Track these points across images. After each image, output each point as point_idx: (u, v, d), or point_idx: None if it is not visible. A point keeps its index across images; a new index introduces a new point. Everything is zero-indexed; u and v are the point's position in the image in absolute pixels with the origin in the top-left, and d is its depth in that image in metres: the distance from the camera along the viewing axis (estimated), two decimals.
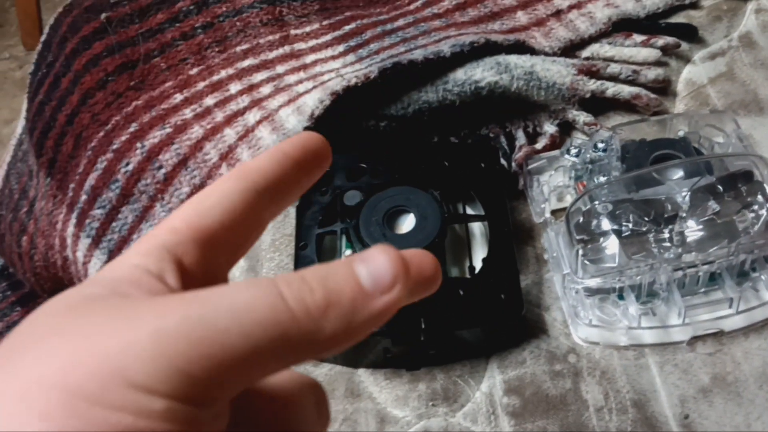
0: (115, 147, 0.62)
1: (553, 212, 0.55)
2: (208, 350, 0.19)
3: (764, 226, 0.48)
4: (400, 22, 0.67)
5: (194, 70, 0.65)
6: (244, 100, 0.62)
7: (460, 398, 0.49)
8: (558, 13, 0.68)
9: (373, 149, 0.58)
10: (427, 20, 0.67)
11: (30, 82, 0.73)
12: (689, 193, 0.49)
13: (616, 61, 0.64)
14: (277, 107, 0.60)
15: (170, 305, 0.20)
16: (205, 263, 0.23)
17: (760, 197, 0.49)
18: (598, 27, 0.66)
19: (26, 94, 0.73)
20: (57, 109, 0.68)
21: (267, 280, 0.21)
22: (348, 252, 0.52)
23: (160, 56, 0.66)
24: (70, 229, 0.64)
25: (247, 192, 0.24)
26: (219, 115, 0.61)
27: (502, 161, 0.58)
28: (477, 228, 0.55)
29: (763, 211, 0.48)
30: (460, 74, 0.59)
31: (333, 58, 0.65)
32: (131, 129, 0.62)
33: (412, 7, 0.70)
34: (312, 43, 0.66)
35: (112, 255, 0.61)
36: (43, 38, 0.72)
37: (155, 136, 0.61)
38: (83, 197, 0.63)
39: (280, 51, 0.66)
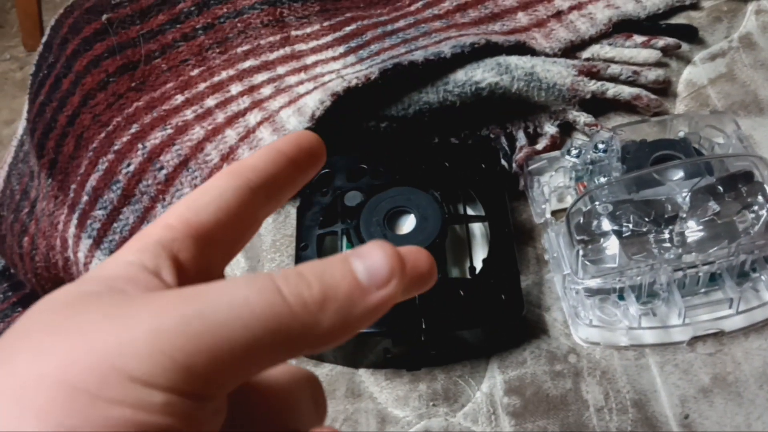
0: (116, 148, 0.62)
1: (554, 213, 0.56)
2: (207, 345, 0.19)
3: (764, 226, 0.48)
4: (401, 23, 0.67)
5: (195, 71, 0.65)
6: (244, 101, 0.62)
7: (461, 398, 0.49)
8: (558, 14, 0.68)
9: (373, 150, 0.58)
10: (428, 21, 0.68)
11: (31, 83, 0.73)
12: (689, 193, 0.49)
13: (616, 62, 0.64)
14: (277, 108, 0.60)
15: (167, 300, 0.20)
16: (200, 260, 0.23)
17: (760, 198, 0.49)
18: (598, 28, 0.66)
19: (27, 95, 0.73)
20: (58, 110, 0.68)
21: (264, 275, 0.21)
22: None
23: (161, 57, 0.66)
24: (72, 229, 0.64)
25: (242, 189, 0.25)
26: (220, 116, 0.61)
27: (503, 162, 0.58)
28: (477, 228, 0.55)
29: (763, 212, 0.48)
30: (460, 75, 0.59)
31: (334, 59, 0.65)
32: (132, 130, 0.62)
33: (412, 8, 0.70)
34: (313, 44, 0.67)
35: None
36: (44, 39, 0.72)
37: (156, 137, 0.61)
38: (84, 198, 0.63)
39: (281, 52, 0.66)
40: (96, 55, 0.66)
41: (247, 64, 0.65)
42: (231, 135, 0.60)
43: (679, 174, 0.51)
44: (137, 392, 0.18)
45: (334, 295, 0.21)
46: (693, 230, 0.48)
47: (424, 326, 0.48)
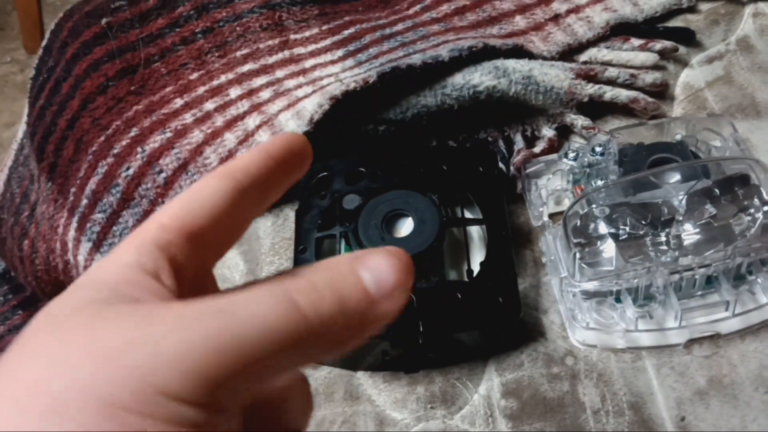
0: (115, 151, 0.62)
1: (551, 216, 0.56)
2: (234, 360, 0.20)
3: (760, 229, 0.48)
4: (399, 27, 0.68)
5: (194, 75, 0.65)
6: (243, 105, 0.62)
7: (458, 401, 0.49)
8: (556, 18, 0.68)
9: (371, 153, 0.59)
10: (426, 25, 0.68)
11: (31, 86, 0.73)
12: (686, 196, 0.50)
13: (613, 65, 0.64)
14: (276, 112, 0.60)
15: (192, 314, 0.20)
16: (195, 260, 0.24)
17: (756, 201, 0.49)
18: (596, 31, 0.66)
19: (27, 98, 0.74)
20: (58, 114, 0.68)
21: (279, 289, 0.21)
22: None
23: (161, 61, 0.66)
24: (71, 233, 0.65)
25: (233, 191, 0.25)
26: (219, 120, 0.62)
27: (501, 165, 0.59)
28: (475, 231, 0.55)
29: (759, 215, 0.48)
30: (458, 79, 0.59)
31: (332, 62, 0.65)
32: (132, 134, 0.62)
33: (411, 11, 0.71)
34: (311, 47, 0.67)
35: None
36: (44, 43, 0.73)
37: (156, 141, 0.61)
38: (84, 201, 0.63)
39: (280, 56, 0.66)
40: (96, 59, 0.67)
41: (246, 67, 0.65)
42: (230, 138, 0.60)
43: (676, 177, 0.52)
44: (170, 407, 0.19)
45: (347, 306, 0.22)
46: (689, 233, 0.49)
47: (421, 329, 0.48)
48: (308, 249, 0.53)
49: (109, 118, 0.64)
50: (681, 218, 0.49)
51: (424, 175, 0.55)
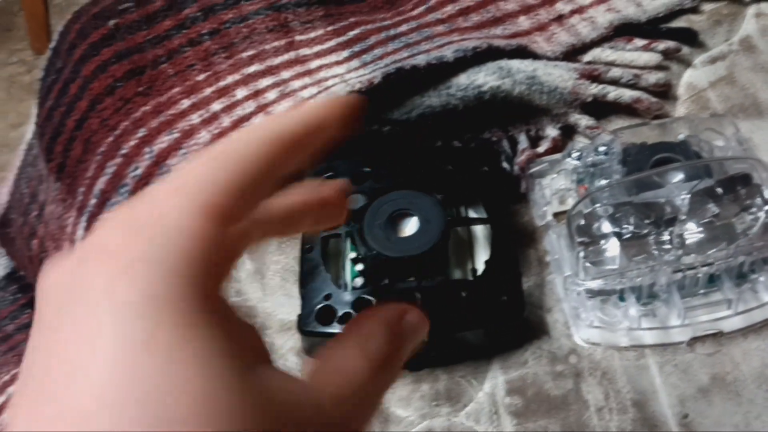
0: (123, 152, 0.63)
1: (555, 215, 0.56)
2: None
3: (762, 228, 0.49)
4: (404, 28, 0.68)
5: (201, 76, 0.66)
6: (250, 106, 0.63)
7: (463, 398, 0.49)
8: (560, 18, 0.69)
9: (376, 153, 0.59)
10: (431, 25, 0.68)
11: (39, 87, 0.74)
12: (689, 195, 0.50)
13: (617, 66, 0.65)
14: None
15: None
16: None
17: (758, 200, 0.49)
18: (599, 31, 0.67)
19: (34, 98, 0.74)
20: (66, 115, 0.69)
21: None
22: (352, 255, 0.53)
23: (168, 62, 0.67)
24: (80, 232, 0.65)
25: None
26: (226, 121, 0.62)
27: (505, 165, 0.59)
28: (479, 231, 0.55)
29: (762, 214, 0.49)
30: (462, 79, 0.60)
31: (337, 63, 0.66)
32: (139, 134, 0.63)
33: (415, 12, 0.71)
34: (317, 48, 0.67)
35: None
36: (52, 45, 0.73)
37: (163, 141, 0.62)
38: (93, 201, 0.64)
39: (286, 57, 0.66)
40: (103, 60, 0.67)
41: (253, 68, 0.66)
42: None
43: (679, 176, 0.52)
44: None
45: None
46: (692, 232, 0.49)
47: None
48: (314, 248, 0.53)
49: (117, 119, 0.64)
50: (684, 217, 0.49)
51: (428, 175, 0.56)
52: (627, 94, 0.62)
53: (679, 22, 0.68)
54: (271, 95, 0.64)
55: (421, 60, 0.60)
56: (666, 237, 0.49)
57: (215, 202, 0.23)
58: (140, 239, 0.21)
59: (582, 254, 0.49)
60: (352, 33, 0.68)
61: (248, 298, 0.56)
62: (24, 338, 0.81)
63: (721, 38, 0.67)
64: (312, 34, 0.69)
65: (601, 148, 0.56)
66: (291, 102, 0.62)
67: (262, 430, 0.20)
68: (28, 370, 0.21)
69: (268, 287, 0.56)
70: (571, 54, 0.66)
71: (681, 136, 0.56)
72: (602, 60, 0.66)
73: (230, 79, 0.65)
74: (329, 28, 0.69)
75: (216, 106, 0.64)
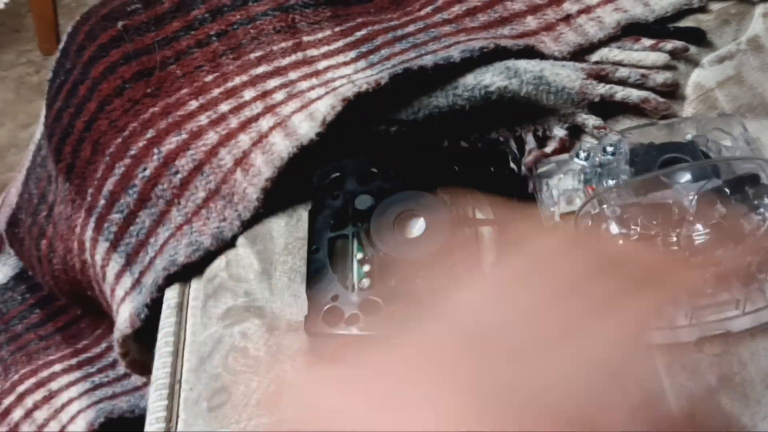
0: (132, 153, 0.63)
1: (563, 216, 0.56)
2: None
3: None
4: (411, 28, 0.68)
5: (209, 77, 0.66)
6: (257, 107, 0.63)
7: None
8: (567, 18, 0.69)
9: (384, 154, 0.59)
10: (438, 26, 0.68)
11: (48, 89, 0.74)
12: (696, 196, 0.50)
13: (625, 65, 0.65)
14: (289, 113, 0.61)
15: None
16: None
17: (766, 200, 0.49)
18: (607, 31, 0.67)
19: (43, 99, 0.75)
20: (75, 116, 0.69)
21: None
22: (359, 255, 0.53)
23: (176, 64, 0.67)
24: (89, 233, 0.66)
25: None
26: (233, 122, 0.62)
27: (512, 165, 0.59)
28: (486, 231, 0.55)
29: None
30: (469, 79, 0.60)
31: (345, 64, 0.66)
32: (148, 135, 0.63)
33: (422, 12, 0.71)
34: (324, 49, 0.67)
35: (129, 258, 0.62)
36: (61, 46, 0.74)
37: (171, 142, 0.62)
38: (101, 202, 0.64)
39: (293, 58, 0.67)
40: (112, 62, 0.68)
41: (260, 69, 0.66)
42: (244, 140, 0.61)
43: (687, 177, 0.52)
44: None
45: None
46: (700, 233, 0.49)
47: None
48: (321, 249, 0.53)
49: (125, 120, 0.65)
50: (691, 218, 0.49)
51: (435, 175, 0.56)
52: (634, 94, 0.62)
53: (687, 22, 0.68)
54: (278, 96, 0.64)
55: (428, 60, 0.60)
56: (674, 238, 0.49)
57: None
58: None
59: None
60: (359, 33, 0.68)
61: (256, 298, 0.56)
62: (33, 338, 0.81)
63: (729, 38, 0.67)
64: (319, 35, 0.69)
65: (609, 149, 0.56)
66: (299, 103, 0.62)
67: None
68: None
69: (276, 288, 0.56)
70: (579, 54, 0.66)
71: (689, 137, 0.56)
72: (610, 60, 0.66)
73: (238, 80, 0.66)
74: (336, 29, 0.69)
75: (224, 107, 0.64)
